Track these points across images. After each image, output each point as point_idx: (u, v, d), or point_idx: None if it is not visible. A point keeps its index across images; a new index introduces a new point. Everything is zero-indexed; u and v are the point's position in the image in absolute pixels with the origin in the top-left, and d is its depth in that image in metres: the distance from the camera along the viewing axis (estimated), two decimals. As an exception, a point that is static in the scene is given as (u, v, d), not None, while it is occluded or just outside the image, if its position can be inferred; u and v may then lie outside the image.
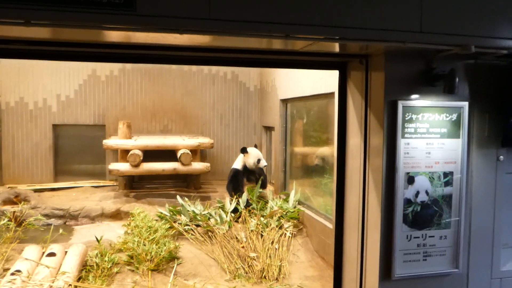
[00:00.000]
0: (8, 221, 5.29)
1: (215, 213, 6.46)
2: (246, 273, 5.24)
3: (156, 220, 6.19)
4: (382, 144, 3.38)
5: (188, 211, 6.40)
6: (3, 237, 5.43)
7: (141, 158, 7.19)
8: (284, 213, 6.50)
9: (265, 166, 7.35)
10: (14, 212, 6.53)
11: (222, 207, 6.73)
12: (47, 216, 6.56)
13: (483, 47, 3.07)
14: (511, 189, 3.72)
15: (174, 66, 8.74)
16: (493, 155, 3.63)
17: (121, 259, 5.15)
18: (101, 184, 8.17)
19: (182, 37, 2.66)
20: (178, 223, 6.21)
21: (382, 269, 3.42)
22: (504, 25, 3.06)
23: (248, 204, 6.75)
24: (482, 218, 3.63)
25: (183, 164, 7.35)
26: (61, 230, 5.80)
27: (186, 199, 6.79)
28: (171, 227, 6.01)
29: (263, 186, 7.30)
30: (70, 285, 4.30)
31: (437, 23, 2.94)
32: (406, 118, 3.38)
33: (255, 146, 7.71)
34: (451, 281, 3.57)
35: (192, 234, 6.04)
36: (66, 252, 5.10)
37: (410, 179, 3.42)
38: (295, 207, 6.67)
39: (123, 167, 7.20)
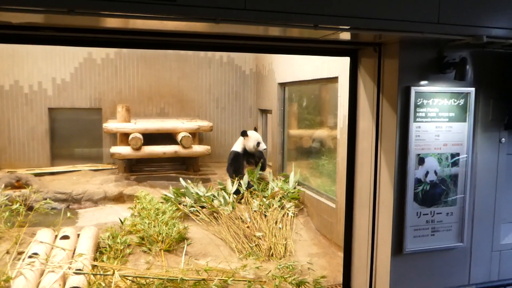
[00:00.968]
0: (19, 205, 5.33)
1: (218, 194, 6.63)
2: (254, 252, 5.44)
3: (161, 202, 6.31)
4: (395, 128, 3.58)
5: (192, 193, 6.54)
6: (12, 221, 5.49)
7: (142, 141, 7.26)
8: (285, 194, 6.71)
9: (264, 149, 7.52)
10: (17, 196, 6.56)
11: (224, 189, 6.90)
12: (45, 200, 6.57)
13: (494, 37, 3.27)
14: (511, 169, 3.99)
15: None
16: (496, 138, 3.88)
17: (133, 240, 5.28)
18: (100, 168, 8.21)
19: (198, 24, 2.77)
20: (183, 205, 6.36)
21: (394, 244, 3.66)
22: (509, 15, 3.26)
23: (249, 186, 6.93)
24: (485, 195, 3.90)
25: (184, 147, 7.45)
26: (68, 214, 5.90)
27: (189, 181, 6.93)
28: (178, 209, 6.15)
29: (263, 168, 7.49)
30: (94, 265, 4.42)
31: (453, 15, 3.12)
32: (418, 103, 3.58)
33: (255, 129, 7.85)
34: (456, 254, 3.84)
35: (197, 216, 6.21)
36: (78, 235, 5.20)
37: (421, 160, 3.64)
38: (295, 188, 6.88)
39: (124, 150, 7.26)
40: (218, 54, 9.14)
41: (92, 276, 4.36)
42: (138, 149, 7.23)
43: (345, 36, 3.44)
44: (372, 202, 3.92)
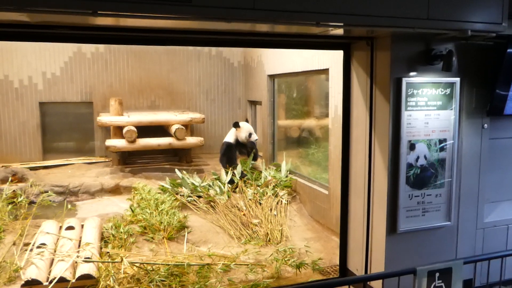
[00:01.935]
0: (23, 198, 5.45)
1: (214, 184, 6.84)
2: (254, 237, 5.68)
3: (158, 193, 6.49)
4: (388, 116, 3.86)
5: (188, 183, 6.74)
6: (14, 214, 5.61)
7: (137, 134, 7.40)
8: (278, 182, 6.96)
9: (256, 139, 7.74)
10: (14, 191, 6.64)
11: (218, 179, 7.11)
12: (47, 193, 6.67)
13: (477, 31, 3.55)
14: (493, 152, 4.32)
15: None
16: (479, 124, 4.20)
17: (135, 230, 5.46)
18: (94, 161, 8.31)
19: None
20: (180, 195, 6.55)
21: (389, 224, 3.96)
22: (494, 12, 3.55)
23: (243, 175, 7.15)
24: (469, 178, 4.22)
25: (177, 139, 7.61)
26: (69, 206, 6.04)
27: (185, 172, 7.12)
28: (175, 199, 6.34)
29: (255, 158, 7.72)
30: (108, 252, 4.60)
31: (441, 11, 3.38)
32: (409, 93, 3.86)
33: (246, 121, 8.07)
34: (444, 233, 4.16)
35: (195, 205, 6.41)
36: (82, 225, 5.35)
37: (412, 146, 3.93)
38: (287, 177, 7.14)
39: (119, 143, 7.38)
40: (207, 47, 9.27)
41: (100, 263, 4.55)
42: (133, 141, 7.36)
43: (340, 31, 3.67)
44: (367, 186, 4.20)
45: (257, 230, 5.87)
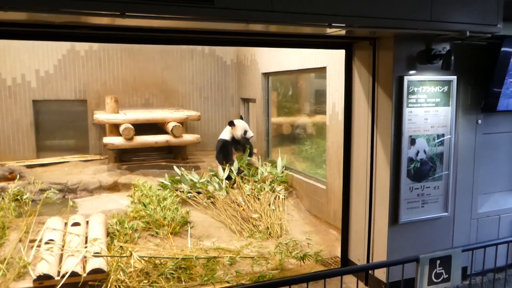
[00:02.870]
0: (27, 196, 5.49)
1: (212, 180, 6.97)
2: (257, 231, 5.83)
3: (159, 189, 6.58)
4: (390, 113, 4.05)
5: (187, 180, 6.84)
6: (18, 211, 5.64)
7: (134, 131, 7.46)
8: (275, 178, 7.12)
9: (251, 136, 7.88)
10: (13, 188, 6.64)
11: (216, 175, 7.24)
12: (45, 191, 6.68)
13: (475, 32, 3.77)
14: (487, 146, 4.58)
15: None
16: (474, 120, 4.45)
17: (139, 225, 5.55)
18: (89, 158, 8.33)
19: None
20: (180, 191, 6.66)
21: (391, 216, 4.16)
22: (490, 14, 3.78)
23: (239, 171, 7.30)
24: (465, 171, 4.46)
25: (175, 136, 7.70)
26: (71, 203, 6.09)
27: (183, 168, 7.22)
28: (176, 195, 6.45)
29: (250, 154, 7.87)
30: (121, 246, 4.69)
31: (442, 13, 3.59)
32: (410, 91, 4.06)
33: (241, 118, 8.20)
34: (442, 223, 4.39)
35: (194, 201, 6.53)
36: (87, 222, 5.42)
37: (412, 141, 4.15)
38: (282, 172, 7.30)
39: (117, 140, 7.42)
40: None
41: (109, 258, 4.64)
42: (131, 139, 7.42)
43: (343, 31, 3.84)
44: (369, 180, 4.39)
45: (257, 224, 6.03)
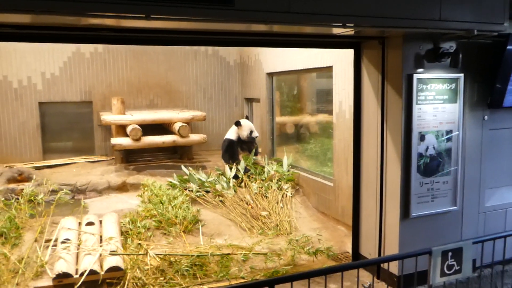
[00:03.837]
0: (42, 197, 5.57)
1: (219, 179, 7.06)
2: (269, 228, 5.93)
3: (168, 189, 6.66)
4: (400, 110, 4.16)
5: (196, 179, 6.93)
6: (30, 212, 5.71)
7: (142, 132, 7.54)
8: (281, 176, 7.22)
9: (257, 136, 7.97)
10: (22, 190, 6.71)
11: (223, 174, 7.33)
12: (55, 192, 6.74)
13: (482, 30, 3.89)
14: (493, 142, 4.69)
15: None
16: (480, 116, 4.56)
17: (151, 224, 5.63)
18: (96, 159, 8.40)
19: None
20: (189, 190, 6.74)
21: (402, 211, 4.27)
22: (497, 13, 3.90)
23: (246, 170, 7.39)
24: (472, 166, 4.58)
25: (182, 136, 7.78)
26: (83, 203, 6.17)
27: (190, 168, 7.31)
28: (186, 194, 6.53)
29: (256, 153, 7.97)
30: (139, 243, 4.77)
31: (451, 13, 3.70)
32: (419, 88, 4.17)
33: (246, 118, 8.30)
34: (451, 217, 4.51)
35: (204, 199, 6.62)
36: (100, 221, 5.50)
37: (422, 137, 4.26)
38: (288, 171, 7.40)
39: (125, 141, 7.50)
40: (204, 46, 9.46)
41: (125, 256, 4.73)
42: (138, 139, 7.50)
43: (355, 32, 3.95)
44: (379, 176, 4.50)
45: (267, 222, 6.13)
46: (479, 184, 4.65)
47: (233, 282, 4.53)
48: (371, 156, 4.63)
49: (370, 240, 4.74)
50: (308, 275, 3.44)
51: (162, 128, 8.61)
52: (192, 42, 4.62)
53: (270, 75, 8.32)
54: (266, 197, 6.68)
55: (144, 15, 2.79)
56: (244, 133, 7.83)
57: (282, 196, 6.81)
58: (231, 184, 6.90)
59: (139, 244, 4.82)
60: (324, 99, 7.13)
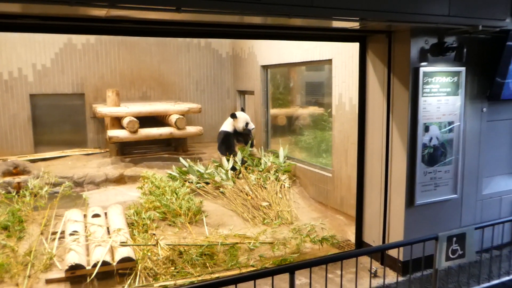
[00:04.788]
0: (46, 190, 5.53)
1: (218, 171, 7.13)
2: (265, 219, 6.04)
3: (168, 180, 6.69)
4: (407, 102, 4.32)
5: (195, 171, 6.98)
6: (32, 205, 5.67)
7: (139, 124, 7.52)
8: (278, 167, 7.34)
9: (253, 128, 8.06)
10: (19, 183, 6.64)
11: (220, 166, 7.39)
12: (53, 184, 6.69)
13: (486, 26, 4.07)
14: (491, 133, 4.91)
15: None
16: (479, 108, 4.77)
17: (156, 215, 5.67)
18: (90, 152, 8.33)
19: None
20: (189, 182, 6.79)
21: (407, 199, 4.44)
22: (500, 9, 4.08)
23: (243, 162, 7.48)
24: (471, 155, 4.79)
25: (178, 128, 7.80)
26: (84, 195, 6.15)
27: (188, 160, 7.35)
28: (188, 186, 6.58)
29: (252, 145, 8.06)
30: (153, 234, 4.80)
31: (459, 9, 3.86)
32: (424, 81, 4.34)
33: (242, 110, 8.36)
34: (451, 204, 4.71)
35: (204, 191, 6.69)
36: (105, 213, 5.50)
37: (426, 128, 4.43)
38: (284, 162, 7.53)
39: (122, 133, 7.47)
40: (196, 38, 9.44)
41: (135, 247, 4.76)
42: (135, 132, 7.48)
43: (361, 25, 4.07)
44: (385, 165, 4.66)
45: (268, 212, 6.24)
46: (477, 173, 4.86)
47: (243, 270, 4.63)
48: (375, 146, 4.78)
49: (374, 228, 4.90)
50: (326, 260, 3.58)
51: (155, 120, 8.59)
52: (195, 35, 4.55)
53: (265, 67, 8.40)
54: (265, 188, 6.79)
55: (174, 8, 2.83)
56: (240, 125, 7.90)
57: (280, 187, 6.94)
58: (229, 176, 6.98)
59: (154, 234, 4.84)
60: (321, 91, 7.27)
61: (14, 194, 5.70)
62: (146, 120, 8.27)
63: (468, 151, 4.76)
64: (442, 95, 4.47)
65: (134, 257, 4.52)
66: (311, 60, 6.78)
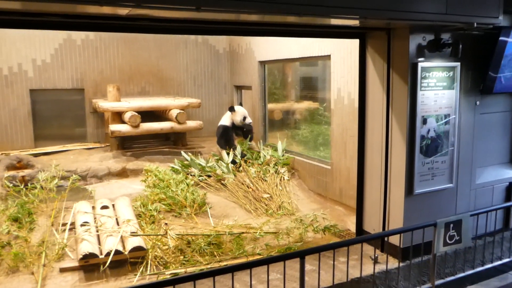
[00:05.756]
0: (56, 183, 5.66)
1: (219, 164, 7.30)
2: (267, 210, 6.24)
3: (171, 173, 6.85)
4: (406, 96, 4.54)
5: (197, 164, 7.15)
6: (40, 197, 5.79)
7: (141, 119, 7.65)
8: (277, 160, 7.54)
9: (250, 122, 8.22)
10: (23, 176, 6.74)
11: (221, 159, 7.57)
12: (62, 178, 6.73)
13: (480, 23, 4.30)
14: (484, 125, 5.17)
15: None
16: (473, 101, 5.01)
17: (162, 207, 5.83)
18: (91, 146, 8.44)
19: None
20: (191, 175, 6.96)
21: (407, 188, 4.67)
22: (493, 7, 4.31)
23: (242, 155, 7.66)
24: (465, 146, 5.04)
25: (179, 123, 7.95)
26: (90, 189, 6.29)
27: (190, 154, 7.51)
28: (190, 179, 6.75)
29: (251, 139, 8.25)
30: (166, 223, 4.97)
31: (455, 7, 4.08)
32: (422, 76, 4.56)
33: (240, 104, 8.54)
34: (447, 193, 4.96)
35: (206, 183, 6.86)
36: (113, 205, 5.65)
37: (424, 121, 4.66)
38: (283, 155, 7.72)
39: (124, 128, 7.60)
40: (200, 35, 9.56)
41: (145, 237, 4.93)
42: (137, 126, 7.61)
43: (361, 23, 4.27)
44: (384, 156, 4.88)
45: (269, 203, 6.44)
46: (471, 163, 5.12)
47: (250, 258, 4.83)
48: (375, 139, 5.00)
49: (374, 217, 5.13)
50: (334, 246, 3.80)
51: (153, 115, 8.71)
52: (199, 32, 4.66)
53: (263, 63, 8.57)
54: (265, 180, 6.99)
55: (194, 7, 3.00)
56: (238, 118, 8.06)
57: (280, 180, 7.14)
58: (230, 169, 7.16)
59: (166, 224, 5.01)
60: (318, 86, 7.48)
61: (22, 187, 5.80)
62: (145, 115, 8.40)
63: (463, 142, 5.01)
64: (438, 89, 4.70)
65: (145, 246, 4.69)
66: (309, 56, 6.97)
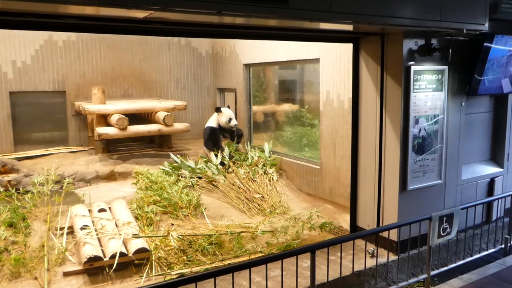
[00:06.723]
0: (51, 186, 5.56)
1: (208, 166, 7.36)
2: (262, 210, 6.37)
3: (163, 176, 6.86)
4: (400, 98, 4.79)
5: (187, 166, 7.18)
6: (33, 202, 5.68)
7: (128, 121, 7.60)
8: (265, 161, 7.67)
9: (235, 125, 8.31)
10: (9, 181, 6.58)
11: (209, 161, 7.63)
12: (50, 182, 6.62)
13: (469, 30, 4.60)
14: (468, 124, 5.50)
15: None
16: (459, 102, 5.33)
17: (157, 209, 5.84)
18: (74, 150, 8.29)
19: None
20: (182, 176, 6.99)
21: (401, 185, 4.92)
22: (480, 15, 4.63)
23: (230, 157, 7.75)
24: (452, 145, 5.34)
25: (166, 125, 7.95)
26: (82, 193, 6.21)
27: (179, 156, 7.53)
28: (182, 181, 6.78)
29: (238, 141, 8.34)
30: (172, 224, 4.98)
31: (448, 15, 4.36)
32: (415, 79, 4.82)
33: (228, 107, 8.62)
34: (436, 189, 5.25)
35: (198, 185, 6.91)
36: (109, 208, 5.62)
37: (416, 121, 4.92)
38: (270, 156, 7.86)
39: (111, 130, 7.53)
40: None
41: (147, 238, 4.95)
42: (124, 129, 7.56)
43: (354, 27, 4.49)
44: (378, 155, 5.11)
45: (262, 203, 6.56)
46: (457, 160, 5.43)
47: (252, 256, 4.93)
48: (369, 138, 5.23)
49: (367, 213, 5.35)
50: (341, 240, 3.98)
51: (137, 117, 8.66)
52: (197, 34, 4.73)
53: (248, 66, 8.69)
54: (255, 181, 7.11)
55: (216, 12, 3.09)
56: (223, 120, 8.13)
57: (269, 180, 7.28)
58: (220, 170, 7.23)
59: (172, 224, 5.04)
60: (303, 89, 7.67)
61: (13, 191, 5.67)
62: (130, 118, 8.35)
63: (450, 141, 5.31)
64: (429, 91, 4.98)
65: (148, 248, 4.71)
66: (298, 59, 7.15)
